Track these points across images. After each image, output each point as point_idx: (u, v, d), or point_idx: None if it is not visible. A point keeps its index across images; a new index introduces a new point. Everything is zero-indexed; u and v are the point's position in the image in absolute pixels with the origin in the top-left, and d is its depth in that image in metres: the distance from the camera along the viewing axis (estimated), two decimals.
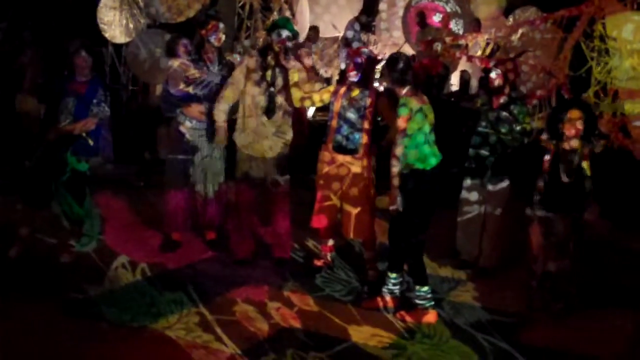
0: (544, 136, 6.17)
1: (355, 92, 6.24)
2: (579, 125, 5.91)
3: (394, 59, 5.90)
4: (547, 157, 6.08)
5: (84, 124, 6.44)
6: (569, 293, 6.06)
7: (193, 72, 6.70)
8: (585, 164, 5.96)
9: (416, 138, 5.64)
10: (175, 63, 6.79)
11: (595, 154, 6.10)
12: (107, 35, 12.17)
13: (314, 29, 13.71)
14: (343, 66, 6.15)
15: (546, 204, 6.07)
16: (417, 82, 5.98)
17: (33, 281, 5.95)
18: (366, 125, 6.21)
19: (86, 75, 6.54)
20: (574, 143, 5.95)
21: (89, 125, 6.49)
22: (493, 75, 6.96)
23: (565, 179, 5.96)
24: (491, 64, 7.31)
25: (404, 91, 5.74)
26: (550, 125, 6.16)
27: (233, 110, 6.92)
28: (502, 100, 6.91)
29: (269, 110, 6.46)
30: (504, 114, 6.86)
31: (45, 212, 6.62)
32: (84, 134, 6.49)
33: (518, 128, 6.81)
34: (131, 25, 12.13)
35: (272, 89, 6.47)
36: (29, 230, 6.59)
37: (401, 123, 5.59)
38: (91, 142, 6.55)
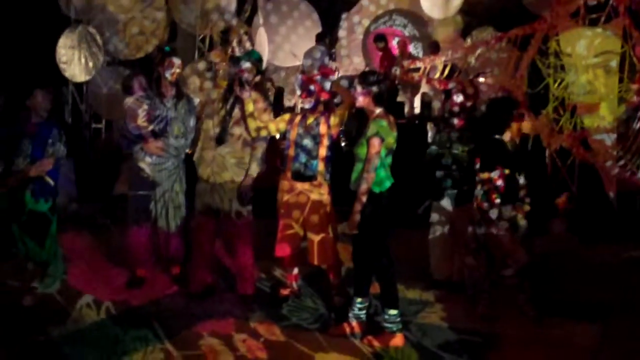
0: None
1: (310, 120, 6.26)
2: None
3: (370, 74, 5.90)
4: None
5: (39, 165, 6.39)
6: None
7: (144, 107, 6.70)
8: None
9: None
10: (129, 100, 6.80)
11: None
12: (66, 74, 12.15)
13: None
14: (298, 93, 6.15)
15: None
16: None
17: None
18: (323, 152, 6.22)
19: (42, 116, 6.50)
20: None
21: (45, 166, 6.44)
22: (457, 98, 7.05)
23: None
24: (450, 86, 7.41)
25: (377, 111, 5.74)
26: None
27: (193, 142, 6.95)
28: (463, 120, 7.00)
29: (219, 139, 6.46)
30: (467, 133, 6.95)
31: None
32: (43, 175, 6.46)
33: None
34: (90, 63, 12.12)
35: (226, 118, 6.47)
36: None
37: (376, 146, 5.58)
38: (51, 183, 6.51)
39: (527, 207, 6.34)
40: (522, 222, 6.30)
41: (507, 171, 6.16)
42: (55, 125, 6.59)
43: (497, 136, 6.29)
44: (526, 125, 6.89)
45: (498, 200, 6.14)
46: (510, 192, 6.21)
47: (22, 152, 6.39)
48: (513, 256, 6.19)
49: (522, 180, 6.32)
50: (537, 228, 6.90)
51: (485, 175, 6.21)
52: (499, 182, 6.14)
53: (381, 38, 13.98)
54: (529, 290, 6.26)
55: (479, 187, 6.28)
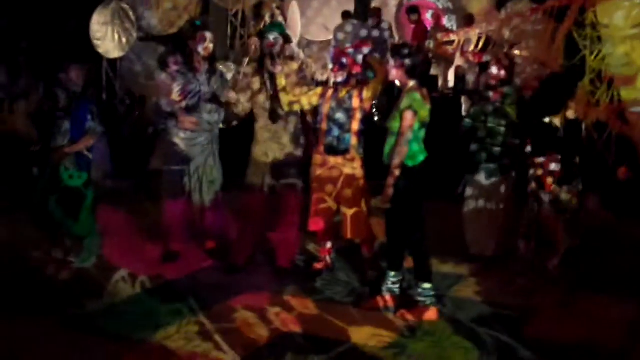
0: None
1: (343, 93, 6.23)
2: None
3: (403, 47, 5.86)
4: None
5: (80, 144, 6.47)
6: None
7: (178, 82, 6.71)
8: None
9: None
10: (163, 75, 6.80)
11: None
12: (100, 50, 12.21)
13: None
14: (330, 67, 6.14)
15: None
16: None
17: (32, 298, 5.93)
18: (355, 126, 6.20)
19: (75, 92, 6.55)
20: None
21: (84, 144, 6.57)
22: (494, 70, 6.98)
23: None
24: (484, 59, 7.36)
25: (411, 84, 5.70)
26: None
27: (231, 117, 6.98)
28: (499, 93, 6.94)
29: (272, 116, 6.47)
30: (504, 106, 6.90)
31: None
32: (84, 151, 6.54)
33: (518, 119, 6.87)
34: (124, 40, 12.17)
35: (273, 94, 6.47)
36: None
37: (409, 120, 5.54)
38: (89, 156, 6.61)
39: (580, 188, 6.26)
40: (575, 203, 6.22)
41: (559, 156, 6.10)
42: (92, 101, 6.65)
43: (548, 119, 6.20)
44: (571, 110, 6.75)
45: (553, 185, 6.08)
46: (565, 175, 6.14)
47: (60, 130, 6.47)
48: (561, 242, 6.15)
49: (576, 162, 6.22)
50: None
51: (538, 160, 6.14)
52: (553, 167, 6.08)
53: (414, 10, 13.84)
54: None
55: (531, 170, 6.22)
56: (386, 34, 13.45)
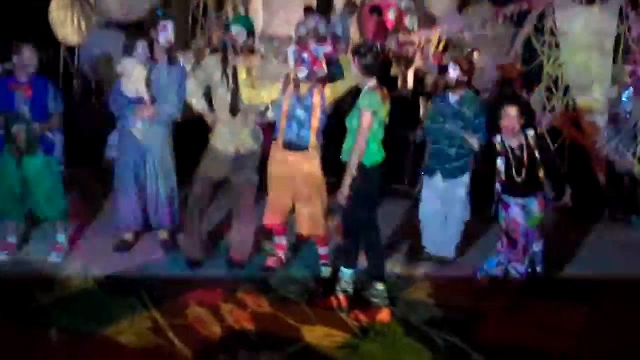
0: (495, 139, 6.23)
1: (304, 89, 6.21)
2: (517, 119, 6.01)
3: (361, 46, 5.86)
4: (499, 162, 6.14)
5: (48, 125, 6.44)
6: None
7: (139, 70, 6.61)
8: (535, 154, 6.03)
9: None
10: (125, 62, 6.71)
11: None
12: (59, 36, 11.98)
13: None
14: (292, 62, 6.08)
15: (510, 192, 6.19)
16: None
17: None
18: (315, 123, 6.18)
19: (29, 74, 6.38)
20: (515, 139, 6.04)
21: (54, 124, 6.54)
22: (451, 72, 7.02)
23: (517, 178, 6.05)
24: (444, 61, 7.40)
25: (370, 83, 5.70)
26: (491, 123, 6.28)
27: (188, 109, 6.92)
28: (458, 95, 6.99)
29: (232, 109, 6.43)
30: (462, 108, 6.95)
31: None
32: (45, 133, 6.46)
33: (477, 121, 6.90)
34: (83, 25, 11.95)
35: (234, 87, 6.42)
36: None
37: (368, 119, 5.57)
38: (53, 139, 6.57)
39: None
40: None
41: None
42: (49, 82, 6.50)
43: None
44: None
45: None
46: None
47: (22, 117, 6.29)
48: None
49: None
50: None
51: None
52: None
53: (377, 10, 13.83)
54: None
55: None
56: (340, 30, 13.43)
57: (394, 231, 7.29)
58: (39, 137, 6.39)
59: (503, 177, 6.13)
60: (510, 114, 6.05)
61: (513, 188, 6.14)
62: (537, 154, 6.06)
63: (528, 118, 6.20)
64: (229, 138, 6.51)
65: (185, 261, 6.64)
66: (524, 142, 6.10)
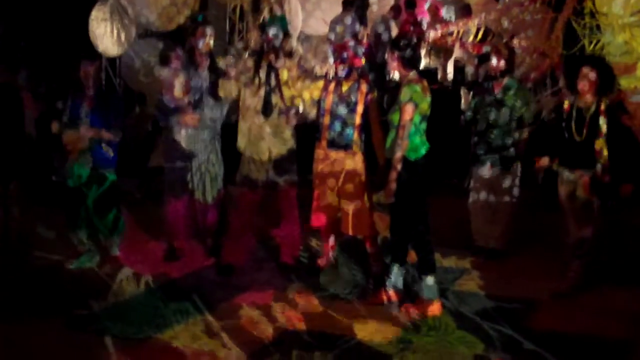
0: (564, 91, 6.14)
1: (345, 88, 6.23)
2: (592, 81, 5.90)
3: (401, 39, 5.85)
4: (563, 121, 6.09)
5: (109, 134, 6.60)
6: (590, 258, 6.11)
7: (180, 79, 6.69)
8: (601, 120, 5.90)
9: None
10: (164, 72, 6.80)
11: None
12: (100, 48, 12.15)
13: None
14: (331, 61, 6.10)
15: (565, 162, 6.10)
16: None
17: (38, 299, 5.94)
18: (357, 120, 6.20)
19: (92, 88, 6.58)
20: (588, 99, 5.96)
21: (115, 136, 6.68)
22: (494, 61, 6.96)
23: (577, 137, 5.95)
24: (483, 50, 7.33)
25: (410, 75, 5.71)
26: (567, 80, 6.16)
27: (232, 112, 6.96)
28: (502, 84, 6.94)
29: (265, 110, 6.45)
30: (505, 97, 6.89)
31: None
32: (103, 146, 6.60)
33: (523, 109, 6.85)
34: (123, 36, 12.11)
35: (268, 88, 6.45)
36: None
37: (409, 113, 5.56)
38: (111, 154, 6.66)
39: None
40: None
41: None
42: (113, 95, 6.65)
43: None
44: None
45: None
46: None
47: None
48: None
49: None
50: None
51: None
52: None
53: (412, 5, 13.78)
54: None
55: None
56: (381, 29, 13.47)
57: (442, 223, 7.25)
58: (94, 148, 6.53)
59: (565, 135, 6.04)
60: (586, 75, 5.97)
61: (568, 154, 6.06)
62: (603, 122, 5.91)
63: (606, 84, 6.06)
64: (273, 140, 6.53)
65: (223, 268, 6.66)
66: (594, 107, 5.95)
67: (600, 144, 5.87)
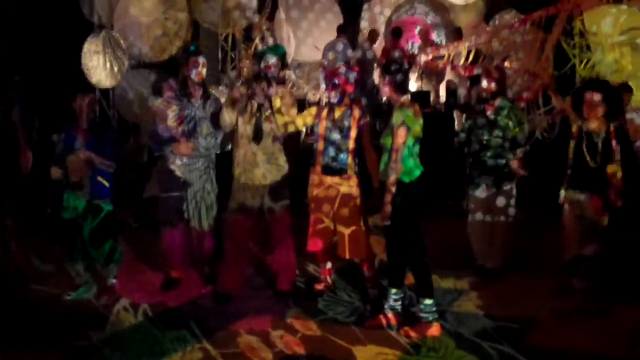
0: (572, 116, 6.18)
1: (338, 113, 6.27)
2: (599, 106, 5.94)
3: (392, 63, 5.89)
4: (571, 145, 6.13)
5: (104, 163, 6.60)
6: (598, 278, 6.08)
7: (174, 109, 6.74)
8: (614, 144, 5.93)
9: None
10: (157, 102, 6.84)
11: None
12: (93, 80, 12.22)
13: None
14: (323, 88, 6.13)
15: (574, 185, 6.11)
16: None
17: (35, 330, 5.95)
18: (351, 145, 6.24)
19: (87, 121, 6.61)
20: (594, 125, 5.99)
21: (110, 166, 6.68)
22: (485, 84, 7.01)
23: (591, 163, 5.98)
24: (475, 72, 7.37)
25: (402, 100, 5.74)
26: (575, 106, 6.19)
27: (226, 141, 6.98)
28: (495, 106, 6.98)
29: (256, 137, 6.46)
30: (498, 118, 6.93)
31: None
32: (99, 178, 6.63)
33: (517, 130, 6.89)
34: (116, 68, 12.20)
35: (259, 116, 6.47)
36: None
37: (403, 136, 5.58)
38: (107, 185, 6.66)
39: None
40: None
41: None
42: (108, 128, 6.67)
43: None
44: None
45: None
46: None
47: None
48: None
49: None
50: None
51: None
52: None
53: (399, 34, 13.85)
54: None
55: None
56: (370, 54, 13.59)
57: (441, 245, 7.27)
58: (91, 180, 6.56)
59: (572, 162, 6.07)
60: (592, 100, 6.00)
61: (580, 177, 6.08)
62: (615, 145, 5.93)
63: (614, 107, 6.09)
64: (268, 167, 6.54)
65: (220, 296, 6.62)
66: (604, 132, 5.99)
67: (613, 168, 5.91)
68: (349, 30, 14.28)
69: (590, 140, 6.01)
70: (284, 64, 6.72)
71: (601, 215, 6.06)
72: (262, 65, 6.59)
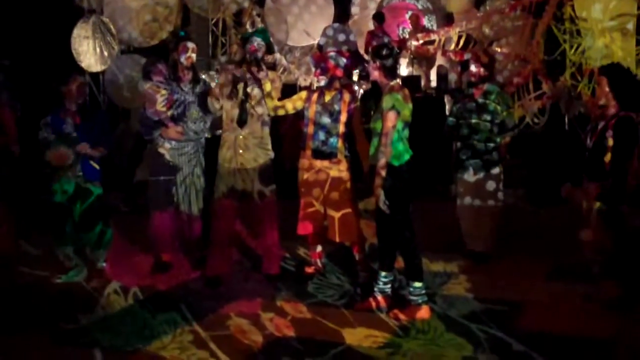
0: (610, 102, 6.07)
1: (328, 97, 6.27)
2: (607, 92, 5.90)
3: (383, 48, 5.89)
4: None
5: (95, 150, 6.65)
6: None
7: (163, 92, 6.73)
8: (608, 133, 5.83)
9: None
10: (146, 85, 6.84)
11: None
12: (83, 64, 12.17)
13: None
14: (312, 72, 6.15)
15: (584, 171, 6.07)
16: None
17: (25, 314, 5.94)
18: (341, 129, 6.25)
19: (77, 104, 6.59)
20: (599, 111, 5.99)
21: (100, 152, 6.75)
22: (473, 68, 7.02)
23: (589, 143, 5.98)
24: (465, 57, 7.37)
25: (392, 84, 5.74)
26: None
27: (215, 126, 6.97)
28: (483, 89, 6.99)
29: (240, 121, 6.45)
30: (487, 102, 6.94)
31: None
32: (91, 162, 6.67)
33: (505, 113, 6.91)
34: (105, 53, 12.15)
35: (244, 99, 6.46)
36: None
37: (392, 120, 5.56)
38: (97, 167, 6.70)
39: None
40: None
41: None
42: (99, 111, 6.67)
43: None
44: None
45: None
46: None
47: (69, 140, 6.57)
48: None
49: None
50: None
51: None
52: None
53: (377, 16, 13.77)
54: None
55: None
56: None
57: (431, 229, 7.28)
58: (81, 162, 6.56)
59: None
60: (601, 84, 5.94)
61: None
62: (610, 135, 5.78)
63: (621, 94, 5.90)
64: (257, 151, 6.54)
65: (205, 279, 6.65)
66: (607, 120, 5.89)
67: (608, 157, 5.86)
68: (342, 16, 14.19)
69: (594, 126, 6.01)
70: (269, 47, 6.69)
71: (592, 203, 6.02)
72: (247, 46, 6.58)
